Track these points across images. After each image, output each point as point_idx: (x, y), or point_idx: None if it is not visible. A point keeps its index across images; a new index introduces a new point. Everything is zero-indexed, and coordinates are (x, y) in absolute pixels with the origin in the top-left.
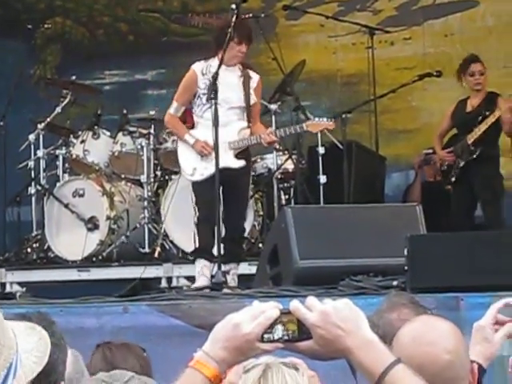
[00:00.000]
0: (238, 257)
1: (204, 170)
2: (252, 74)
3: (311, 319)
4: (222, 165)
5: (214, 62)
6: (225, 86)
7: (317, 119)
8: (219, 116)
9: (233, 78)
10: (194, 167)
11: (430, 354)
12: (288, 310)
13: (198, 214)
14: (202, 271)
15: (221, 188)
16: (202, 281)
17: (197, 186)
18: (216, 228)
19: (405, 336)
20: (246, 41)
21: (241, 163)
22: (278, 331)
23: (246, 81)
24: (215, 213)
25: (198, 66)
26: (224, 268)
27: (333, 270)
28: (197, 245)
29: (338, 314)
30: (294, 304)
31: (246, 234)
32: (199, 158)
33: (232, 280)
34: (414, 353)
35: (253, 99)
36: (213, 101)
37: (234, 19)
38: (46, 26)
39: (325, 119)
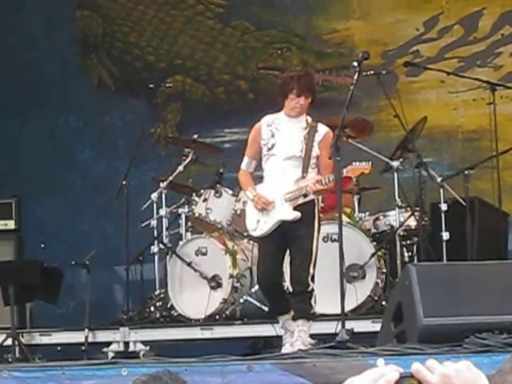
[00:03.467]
0: (306, 313)
1: (264, 224)
2: (320, 127)
3: (432, 381)
4: (278, 218)
5: (281, 115)
6: (285, 137)
7: (357, 164)
8: (275, 167)
9: (295, 129)
10: (257, 222)
11: None
12: (409, 373)
13: (258, 275)
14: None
15: (286, 241)
16: (286, 348)
17: (260, 244)
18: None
19: None
20: (306, 93)
21: (295, 215)
22: None
23: (311, 133)
24: (274, 271)
25: (265, 119)
26: (292, 326)
27: (457, 328)
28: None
29: (459, 376)
30: (416, 366)
31: (310, 288)
32: (261, 212)
33: (299, 337)
34: None
35: (315, 151)
36: (271, 151)
37: (356, 77)
38: (167, 84)
39: (363, 163)
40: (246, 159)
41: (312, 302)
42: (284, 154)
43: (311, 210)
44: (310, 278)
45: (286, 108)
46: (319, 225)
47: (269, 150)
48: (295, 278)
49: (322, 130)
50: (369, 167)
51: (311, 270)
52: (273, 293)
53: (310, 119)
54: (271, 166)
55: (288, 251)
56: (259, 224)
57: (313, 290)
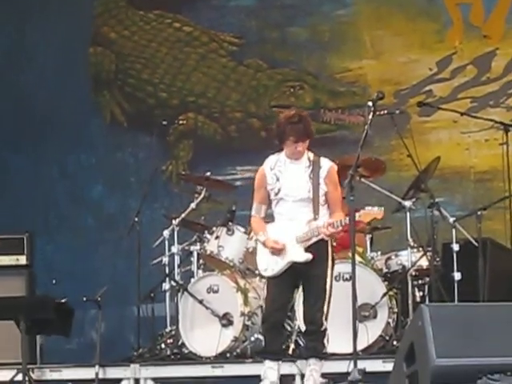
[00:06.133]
0: (318, 352)
1: (275, 265)
2: (323, 162)
3: None
4: (289, 259)
5: (283, 157)
6: (290, 180)
7: (369, 208)
8: (286, 210)
9: (298, 170)
10: (267, 262)
11: None
12: None
13: (263, 311)
14: (266, 374)
15: (297, 281)
16: None
17: (268, 282)
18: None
19: None
20: (303, 139)
21: (307, 256)
22: None
23: (315, 170)
24: (281, 309)
25: (267, 162)
26: (303, 365)
27: (470, 369)
28: (263, 344)
29: None
30: None
31: (323, 328)
32: (271, 253)
33: (310, 376)
34: None
35: (322, 189)
36: (278, 195)
37: (370, 116)
38: (181, 121)
39: (375, 208)
40: (255, 205)
41: (325, 341)
42: (292, 197)
43: (324, 248)
44: (324, 318)
45: (286, 151)
46: (333, 263)
47: (276, 194)
48: (309, 317)
49: (326, 165)
50: (381, 213)
51: (325, 309)
52: (274, 332)
53: (311, 155)
54: (281, 209)
55: (301, 290)
56: (270, 264)
57: (326, 329)
